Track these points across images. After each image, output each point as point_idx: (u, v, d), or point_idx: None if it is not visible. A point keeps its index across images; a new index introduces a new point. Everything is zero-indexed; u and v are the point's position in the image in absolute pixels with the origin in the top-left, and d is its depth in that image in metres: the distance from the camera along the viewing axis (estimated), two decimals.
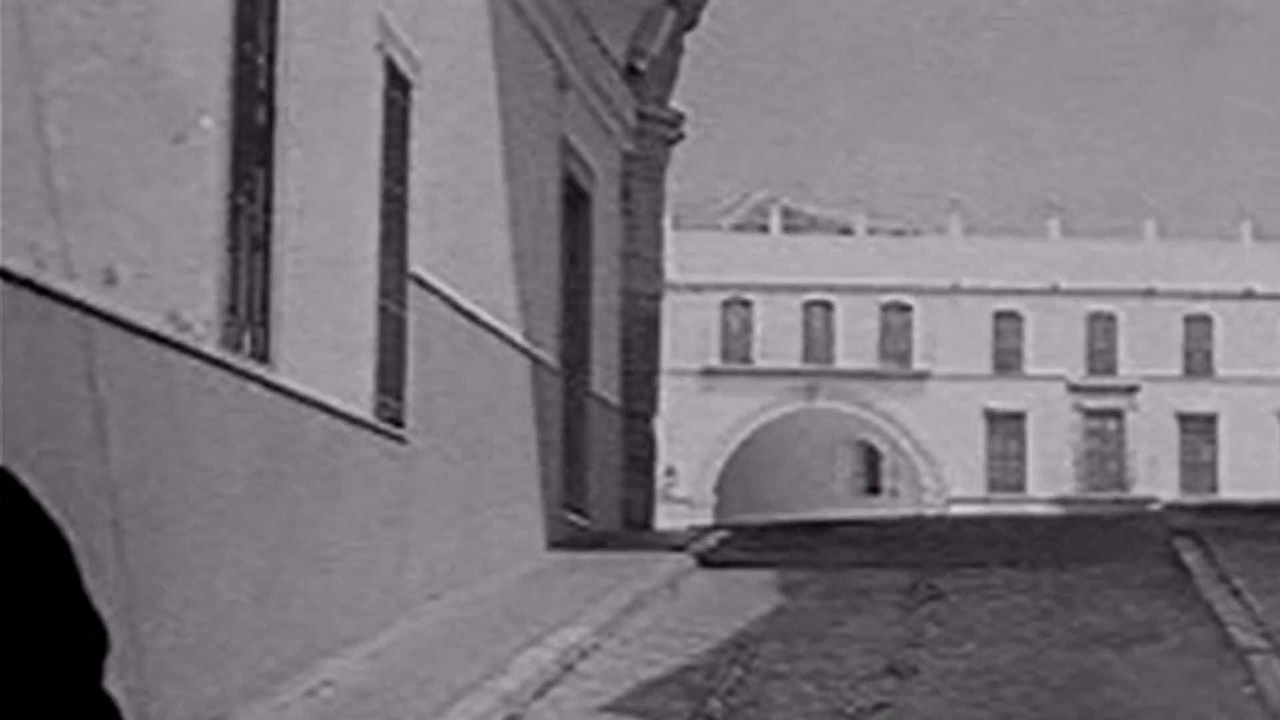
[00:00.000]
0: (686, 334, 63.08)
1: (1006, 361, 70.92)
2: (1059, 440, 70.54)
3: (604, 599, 14.37)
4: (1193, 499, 55.36)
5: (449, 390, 15.31)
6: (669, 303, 25.78)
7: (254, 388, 10.97)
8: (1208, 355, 71.12)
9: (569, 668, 12.41)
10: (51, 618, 2.02)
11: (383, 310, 13.66)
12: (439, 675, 11.63)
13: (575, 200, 20.14)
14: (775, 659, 12.48)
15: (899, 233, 74.62)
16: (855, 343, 70.89)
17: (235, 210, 10.82)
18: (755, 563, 17.34)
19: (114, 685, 2.08)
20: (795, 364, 70.79)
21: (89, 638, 2.05)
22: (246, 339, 10.99)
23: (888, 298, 70.97)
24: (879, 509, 58.48)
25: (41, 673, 2.00)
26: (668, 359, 25.88)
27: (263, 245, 11.26)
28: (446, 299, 15.21)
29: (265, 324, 11.27)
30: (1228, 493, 64.73)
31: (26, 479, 2.05)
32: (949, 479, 69.81)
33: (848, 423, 70.96)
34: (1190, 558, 16.48)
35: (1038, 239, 71.67)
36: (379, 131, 13.63)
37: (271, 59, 11.42)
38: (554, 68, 19.12)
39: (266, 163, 11.32)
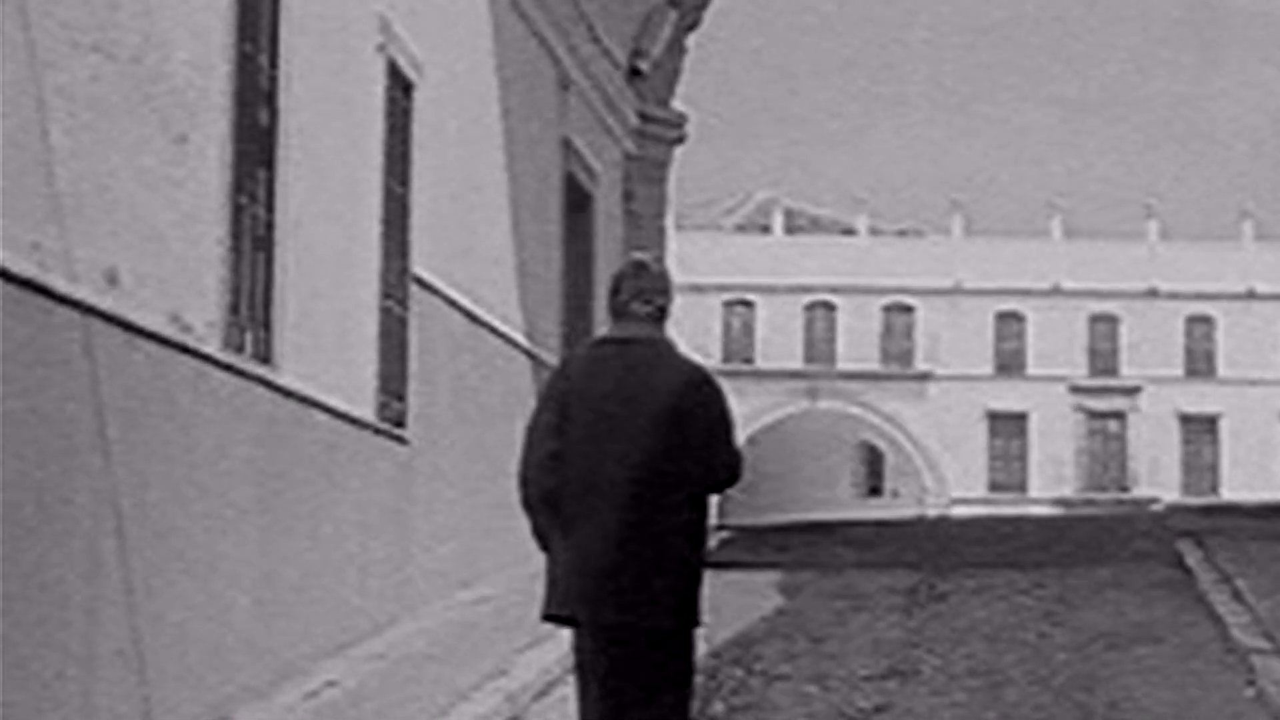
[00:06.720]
0: (688, 335, 63.03)
1: (1008, 362, 70.89)
2: (1061, 441, 70.51)
3: None
4: (1194, 500, 55.34)
5: (451, 391, 15.31)
6: None
7: (256, 389, 10.97)
8: (1210, 356, 71.08)
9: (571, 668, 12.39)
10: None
11: (384, 311, 13.66)
12: (441, 676, 11.64)
13: (577, 201, 20.14)
14: (777, 660, 12.48)
15: (901, 233, 74.61)
16: (857, 343, 70.88)
17: (237, 211, 10.82)
18: (757, 564, 17.34)
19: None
20: (797, 365, 70.78)
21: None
22: (248, 340, 10.99)
23: (890, 298, 70.96)
24: (880, 510, 58.47)
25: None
26: None
27: (265, 246, 11.25)
28: (448, 300, 15.21)
29: (267, 325, 11.26)
30: (1229, 494, 64.70)
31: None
32: (951, 480, 69.79)
33: (849, 424, 70.94)
34: (1192, 559, 16.50)
35: (1040, 240, 71.65)
36: (381, 132, 13.62)
37: (273, 60, 11.42)
38: (556, 68, 19.12)
39: (268, 163, 11.31)
